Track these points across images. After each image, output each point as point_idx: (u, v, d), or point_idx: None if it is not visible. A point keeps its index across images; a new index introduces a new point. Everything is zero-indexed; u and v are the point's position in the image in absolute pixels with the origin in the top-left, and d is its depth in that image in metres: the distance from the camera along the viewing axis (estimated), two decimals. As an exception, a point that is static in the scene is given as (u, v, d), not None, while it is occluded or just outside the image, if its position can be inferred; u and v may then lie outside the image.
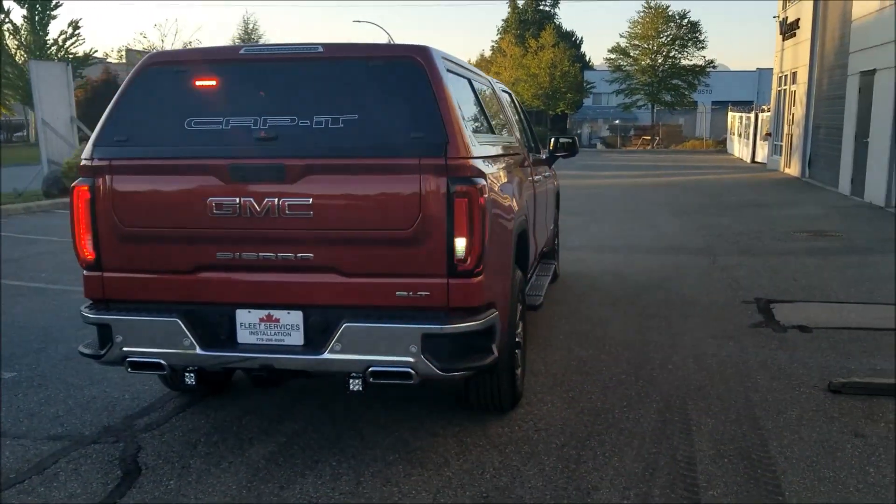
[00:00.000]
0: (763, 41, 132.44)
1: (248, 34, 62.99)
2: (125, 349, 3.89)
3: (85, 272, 3.98)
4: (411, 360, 3.65)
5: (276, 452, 4.12)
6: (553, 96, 49.96)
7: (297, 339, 3.82)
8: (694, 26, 48.52)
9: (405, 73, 3.79)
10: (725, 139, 42.94)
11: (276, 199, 3.69)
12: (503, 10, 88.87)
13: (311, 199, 3.68)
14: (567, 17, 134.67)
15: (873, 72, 15.34)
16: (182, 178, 3.83)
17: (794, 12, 24.04)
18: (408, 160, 3.63)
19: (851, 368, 5.40)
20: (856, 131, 16.44)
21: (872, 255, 9.89)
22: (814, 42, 21.38)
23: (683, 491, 3.68)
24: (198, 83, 3.95)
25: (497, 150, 4.56)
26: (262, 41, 63.12)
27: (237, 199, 3.72)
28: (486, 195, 3.72)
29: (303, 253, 3.74)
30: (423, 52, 3.87)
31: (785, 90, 25.21)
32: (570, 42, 56.41)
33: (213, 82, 3.95)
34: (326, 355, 3.72)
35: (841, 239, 11.28)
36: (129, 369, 3.94)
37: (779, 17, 26.20)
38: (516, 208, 4.61)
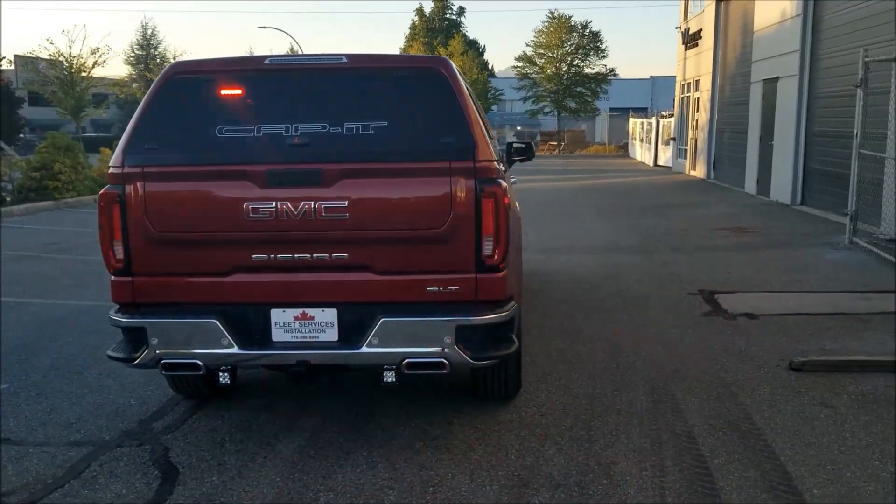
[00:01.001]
0: (654, 50, 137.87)
1: (147, 39, 61.31)
2: (160, 351, 3.97)
3: (113, 277, 4.04)
4: (446, 350, 3.90)
5: (305, 446, 4.28)
6: (462, 103, 50.57)
7: (332, 335, 4.00)
8: (595, 36, 50.26)
9: (431, 82, 4.03)
10: (627, 144, 44.57)
11: (313, 203, 3.86)
12: (409, 18, 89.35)
13: (346, 202, 3.87)
14: (470, 25, 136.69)
15: (776, 79, 16.44)
16: (217, 184, 3.95)
17: (695, 23, 25.35)
18: (439, 164, 3.88)
19: (804, 349, 5.95)
20: (760, 134, 17.55)
21: (793, 249, 10.69)
22: (716, 51, 22.63)
23: (692, 460, 4.07)
24: (224, 92, 4.07)
25: (498, 154, 4.86)
26: (161, 47, 61.62)
27: (273, 203, 3.87)
28: (507, 195, 4.01)
29: (338, 253, 3.93)
30: (444, 63, 4.13)
31: (688, 97, 26.53)
32: (474, 50, 57.37)
33: (240, 91, 4.09)
34: (364, 349, 3.92)
35: (760, 235, 12.11)
36: (162, 371, 4.03)
37: (681, 27, 27.56)
38: (518, 208, 4.92)
